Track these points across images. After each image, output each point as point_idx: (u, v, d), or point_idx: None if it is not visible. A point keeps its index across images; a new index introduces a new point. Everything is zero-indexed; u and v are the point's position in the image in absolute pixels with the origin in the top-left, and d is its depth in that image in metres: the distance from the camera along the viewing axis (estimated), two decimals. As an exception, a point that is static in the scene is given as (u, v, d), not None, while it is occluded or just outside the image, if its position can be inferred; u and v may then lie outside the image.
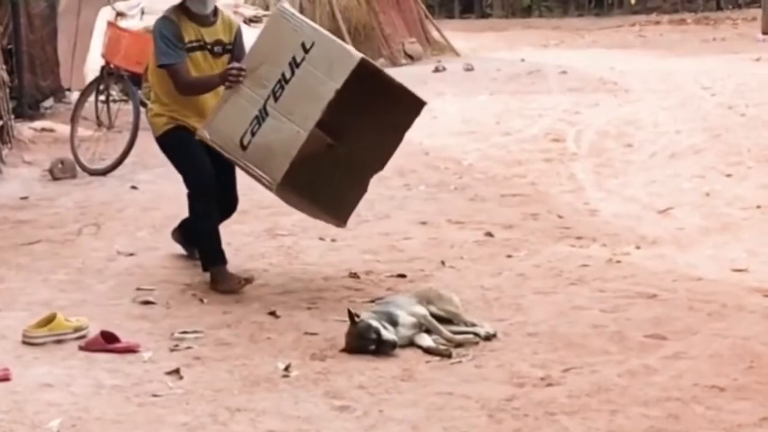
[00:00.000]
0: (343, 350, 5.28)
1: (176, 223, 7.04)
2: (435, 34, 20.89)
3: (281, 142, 5.91)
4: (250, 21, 13.54)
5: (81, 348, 5.36)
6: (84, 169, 9.74)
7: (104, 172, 9.67)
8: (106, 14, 12.02)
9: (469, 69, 16.77)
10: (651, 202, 8.50)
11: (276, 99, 5.96)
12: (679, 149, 10.21)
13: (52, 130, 11.50)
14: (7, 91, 10.78)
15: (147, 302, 6.15)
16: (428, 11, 22.14)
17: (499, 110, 12.60)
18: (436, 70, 16.88)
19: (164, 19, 6.42)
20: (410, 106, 6.41)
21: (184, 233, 6.89)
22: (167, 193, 8.52)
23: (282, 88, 5.95)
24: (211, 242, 6.41)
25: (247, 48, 6.39)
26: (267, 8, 16.98)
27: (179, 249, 7.00)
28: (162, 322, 5.81)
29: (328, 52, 5.93)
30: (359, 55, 5.94)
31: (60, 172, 9.59)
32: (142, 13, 11.80)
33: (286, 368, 5.05)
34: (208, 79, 6.35)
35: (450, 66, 17.23)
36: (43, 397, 4.73)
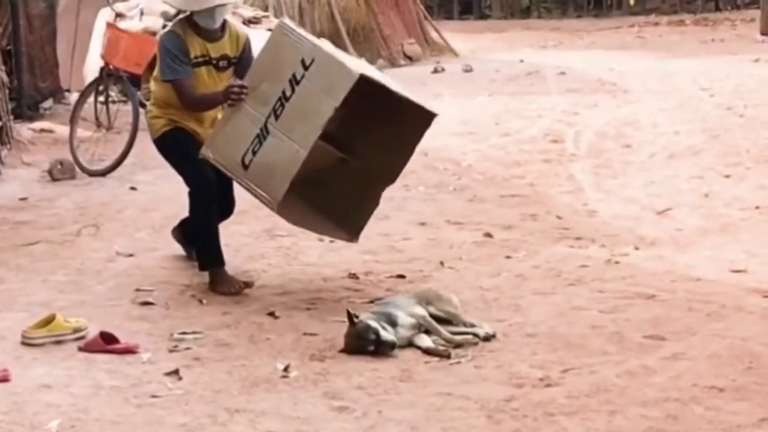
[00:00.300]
0: (342, 351, 5.28)
1: (176, 222, 7.03)
2: (434, 35, 20.89)
3: (282, 161, 5.85)
4: (249, 22, 13.53)
5: (80, 349, 5.36)
6: (83, 170, 9.73)
7: (103, 173, 9.66)
8: (105, 15, 12.01)
9: (468, 70, 16.78)
10: (650, 203, 8.50)
11: (277, 117, 5.89)
12: (677, 150, 10.21)
13: (51, 131, 11.49)
14: (7, 92, 10.77)
15: (146, 303, 6.15)
16: (427, 12, 22.14)
17: (498, 111, 12.60)
18: (435, 71, 16.89)
19: (170, 34, 6.35)
20: (420, 118, 6.31)
21: (184, 232, 6.89)
22: (166, 194, 8.52)
23: (282, 106, 5.88)
24: (210, 243, 6.41)
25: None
26: (266, 9, 16.97)
27: (178, 250, 7.00)
28: (161, 322, 5.81)
29: (327, 68, 5.83)
30: (358, 71, 5.82)
31: (59, 173, 9.59)
32: (141, 14, 11.78)
33: (286, 369, 5.05)
34: (212, 96, 6.30)
35: (449, 67, 17.24)
36: (42, 398, 4.73)
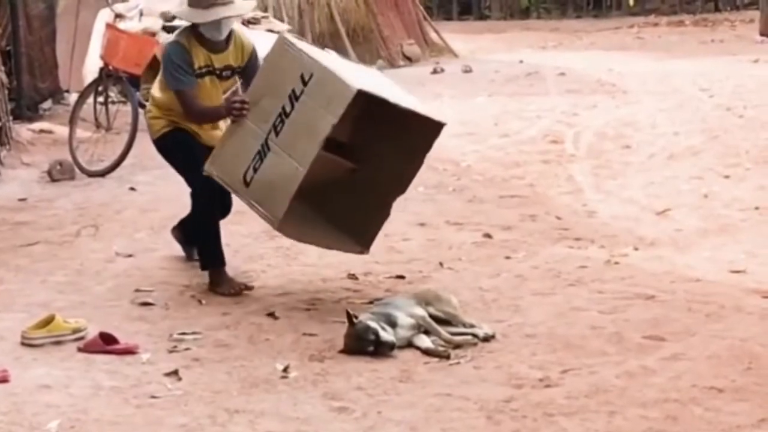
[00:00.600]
0: (342, 351, 5.28)
1: (176, 222, 7.03)
2: (433, 35, 20.89)
3: (281, 179, 5.79)
4: (249, 22, 13.52)
5: (79, 349, 5.36)
6: (82, 170, 9.73)
7: (103, 174, 9.66)
8: (104, 16, 12.01)
9: (467, 71, 16.78)
10: (649, 204, 8.50)
11: (277, 133, 5.82)
12: (677, 151, 10.22)
13: (50, 132, 11.49)
14: (6, 92, 10.78)
15: (145, 303, 6.15)
16: (426, 13, 22.15)
17: (498, 112, 12.60)
18: (435, 71, 16.90)
19: (175, 45, 6.31)
20: (428, 128, 6.24)
21: (184, 231, 6.88)
22: (166, 194, 8.52)
23: (282, 122, 5.81)
24: (211, 243, 6.41)
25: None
26: (266, 9, 16.96)
27: (178, 250, 7.00)
28: (160, 323, 5.81)
29: (326, 83, 5.74)
30: (356, 86, 5.68)
31: (58, 173, 9.59)
32: (141, 14, 11.79)
33: (285, 369, 5.05)
34: (215, 110, 6.30)
35: (448, 68, 17.24)
36: (41, 399, 4.73)
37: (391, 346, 5.26)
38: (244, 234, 7.46)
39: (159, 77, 6.47)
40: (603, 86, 14.37)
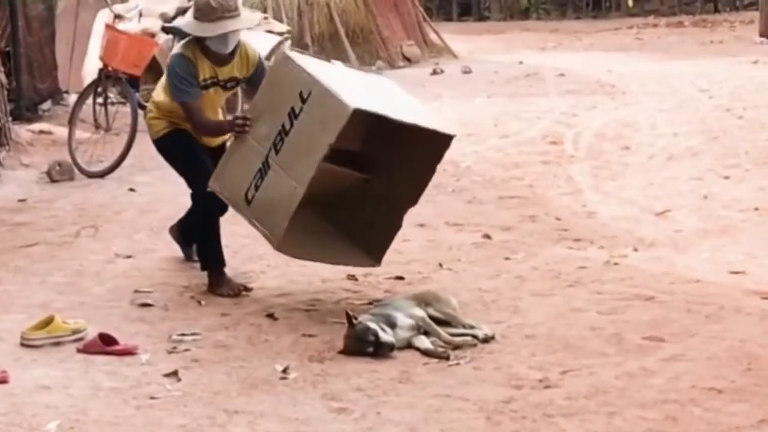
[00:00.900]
0: (341, 352, 5.28)
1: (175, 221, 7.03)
2: (433, 36, 20.90)
3: (281, 198, 5.76)
4: (248, 23, 13.52)
5: (79, 350, 5.36)
6: (82, 171, 9.73)
7: (102, 175, 9.67)
8: (104, 17, 12.02)
9: (466, 71, 16.80)
10: (649, 205, 8.50)
11: (277, 152, 5.78)
12: (676, 151, 10.22)
13: (49, 133, 11.50)
14: (5, 93, 10.77)
15: (145, 304, 6.14)
16: (426, 14, 22.16)
17: (497, 113, 12.61)
18: (434, 72, 16.92)
19: (180, 57, 6.26)
20: (438, 139, 6.16)
21: (182, 231, 6.88)
22: (165, 195, 8.53)
23: (282, 140, 5.76)
24: (211, 243, 6.41)
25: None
26: (265, 10, 16.96)
27: (177, 251, 7.00)
28: (160, 324, 5.81)
29: (323, 102, 5.67)
30: (353, 105, 5.58)
31: (58, 174, 9.59)
32: (140, 15, 11.79)
33: (284, 370, 5.05)
34: (219, 124, 6.34)
35: (448, 68, 17.26)
36: (40, 400, 4.73)
37: (391, 347, 5.25)
38: (243, 235, 7.45)
39: (162, 81, 6.47)
40: (602, 87, 14.38)
